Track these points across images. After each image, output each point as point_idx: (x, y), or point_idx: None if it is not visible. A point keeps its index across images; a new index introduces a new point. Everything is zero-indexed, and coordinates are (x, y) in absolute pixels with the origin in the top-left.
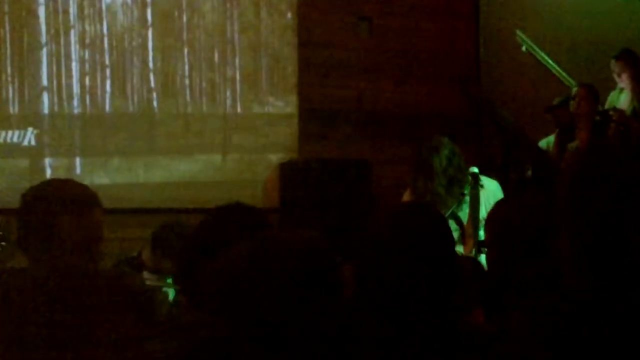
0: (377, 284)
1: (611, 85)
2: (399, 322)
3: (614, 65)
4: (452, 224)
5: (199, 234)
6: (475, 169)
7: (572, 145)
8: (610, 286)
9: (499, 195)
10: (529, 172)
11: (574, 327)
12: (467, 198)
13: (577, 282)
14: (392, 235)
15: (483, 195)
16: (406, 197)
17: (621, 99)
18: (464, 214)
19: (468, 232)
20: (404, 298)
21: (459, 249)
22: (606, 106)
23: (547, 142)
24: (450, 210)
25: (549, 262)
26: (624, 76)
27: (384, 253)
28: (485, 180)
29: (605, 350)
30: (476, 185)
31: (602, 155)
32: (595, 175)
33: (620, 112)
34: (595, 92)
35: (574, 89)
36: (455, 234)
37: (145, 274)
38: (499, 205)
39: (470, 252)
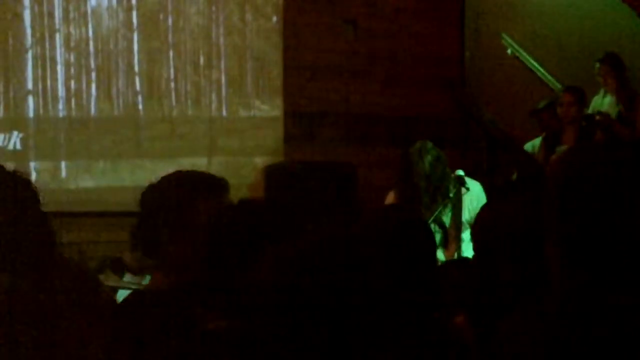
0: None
1: (597, 89)
2: (382, 324)
3: (599, 69)
4: (435, 227)
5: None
6: (461, 172)
7: (560, 149)
8: (600, 286)
9: (483, 197)
10: (515, 176)
11: (568, 329)
12: (451, 201)
13: (566, 284)
14: (374, 238)
15: (467, 198)
16: (389, 200)
17: (605, 102)
18: (447, 217)
19: (451, 235)
20: (387, 300)
21: (441, 252)
22: (590, 110)
23: (532, 145)
24: (434, 214)
25: (538, 266)
26: (609, 80)
27: (366, 255)
28: (469, 183)
29: (600, 351)
30: (461, 188)
31: (588, 157)
32: (581, 176)
33: (605, 115)
34: (581, 95)
35: (561, 94)
36: (438, 237)
37: (127, 277)
38: (484, 209)
39: (453, 255)
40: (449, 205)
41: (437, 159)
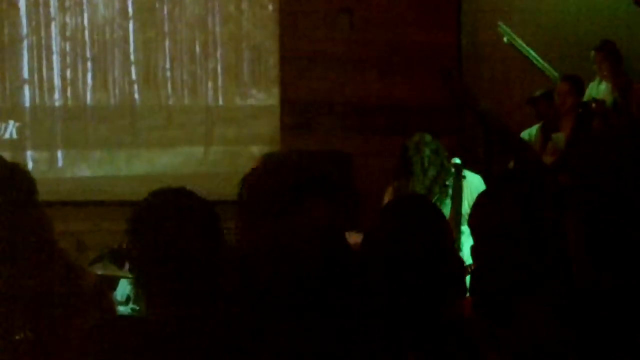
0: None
1: (592, 77)
2: (393, 309)
3: (595, 56)
4: None
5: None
6: (458, 160)
7: (557, 135)
8: (621, 277)
9: (482, 189)
10: (512, 164)
11: (586, 320)
12: (450, 192)
13: (587, 274)
14: (395, 225)
15: (466, 189)
16: (387, 196)
17: (600, 89)
18: (447, 208)
19: (450, 226)
20: (402, 289)
21: None
22: (585, 97)
23: (529, 133)
24: None
25: (537, 254)
26: (605, 67)
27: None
28: (468, 175)
29: (617, 344)
30: (459, 177)
31: (609, 146)
32: (603, 165)
33: (600, 103)
34: (578, 83)
35: (559, 83)
36: None
37: (128, 266)
38: (481, 198)
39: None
40: (449, 196)
41: (435, 152)
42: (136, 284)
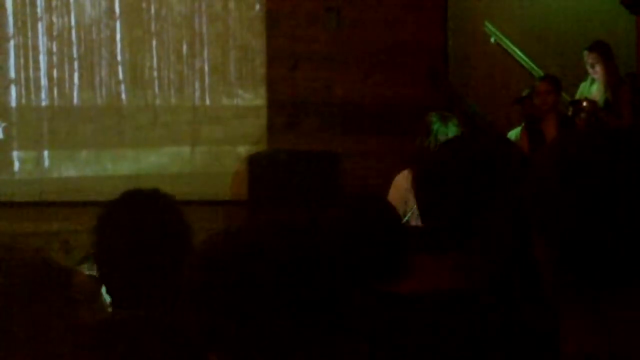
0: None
1: (580, 76)
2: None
3: (587, 56)
4: None
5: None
6: None
7: None
8: (594, 289)
9: None
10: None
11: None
12: None
13: (556, 287)
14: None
15: None
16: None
17: (592, 90)
18: None
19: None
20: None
21: None
22: (577, 97)
23: (515, 134)
24: None
25: (523, 260)
26: (597, 67)
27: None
28: None
29: None
30: None
31: (582, 147)
32: (576, 167)
33: (592, 103)
34: (557, 83)
35: (538, 83)
36: None
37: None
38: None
39: None
40: None
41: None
42: (102, 283)
